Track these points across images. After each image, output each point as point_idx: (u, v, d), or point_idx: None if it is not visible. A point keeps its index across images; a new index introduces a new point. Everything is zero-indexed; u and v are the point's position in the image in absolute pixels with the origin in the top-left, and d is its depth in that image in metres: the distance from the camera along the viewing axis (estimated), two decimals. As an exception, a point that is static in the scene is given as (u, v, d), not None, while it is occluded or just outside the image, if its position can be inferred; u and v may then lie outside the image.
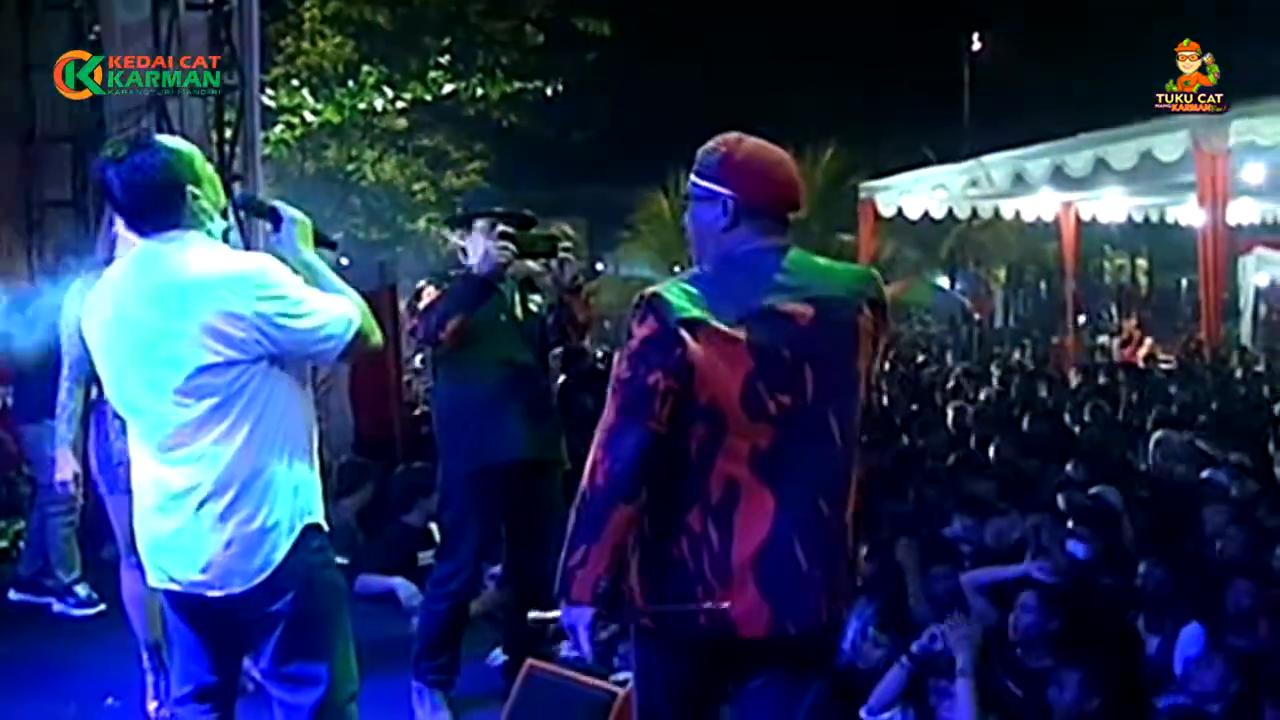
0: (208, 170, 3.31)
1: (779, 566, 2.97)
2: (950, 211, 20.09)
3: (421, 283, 4.90)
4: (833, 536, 3.05)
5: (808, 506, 3.00)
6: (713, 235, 3.09)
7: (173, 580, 3.26)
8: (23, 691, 5.45)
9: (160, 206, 3.19)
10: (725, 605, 2.95)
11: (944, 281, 35.57)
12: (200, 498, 3.14)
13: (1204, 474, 7.77)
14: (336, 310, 3.20)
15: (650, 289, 3.02)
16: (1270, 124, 12.48)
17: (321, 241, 3.52)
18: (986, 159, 17.41)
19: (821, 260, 3.22)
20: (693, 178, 3.15)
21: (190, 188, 3.21)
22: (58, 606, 6.73)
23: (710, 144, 3.15)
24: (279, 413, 3.17)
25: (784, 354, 2.97)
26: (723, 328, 2.94)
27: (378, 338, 3.30)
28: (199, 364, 3.09)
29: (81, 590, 6.70)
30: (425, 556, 6.66)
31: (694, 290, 2.99)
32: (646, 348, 2.94)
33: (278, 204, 3.48)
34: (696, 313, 2.94)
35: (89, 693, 5.30)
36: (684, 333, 2.92)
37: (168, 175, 3.18)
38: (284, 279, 3.16)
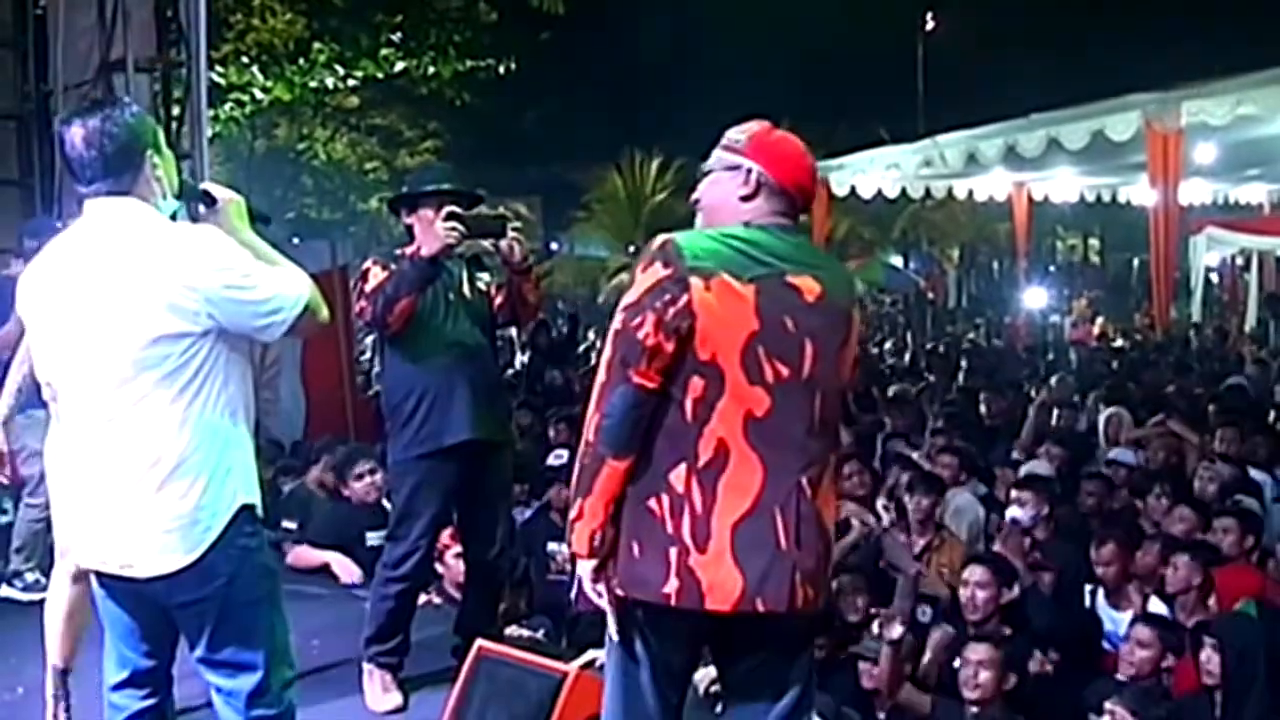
0: (165, 148, 3.27)
1: (758, 540, 2.97)
2: (904, 191, 20.15)
3: (368, 263, 4.84)
4: (815, 519, 3.05)
5: (793, 484, 3.01)
6: (730, 205, 3.14)
7: (103, 561, 3.21)
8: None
9: (120, 165, 3.13)
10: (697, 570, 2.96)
11: (897, 261, 35.74)
12: (133, 473, 3.09)
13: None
14: (284, 284, 3.15)
15: (663, 235, 3.05)
16: (1221, 104, 12.56)
17: (256, 217, 3.49)
18: (940, 138, 17.45)
19: (822, 252, 3.29)
20: (719, 151, 3.20)
21: (151, 154, 3.18)
22: (4, 590, 6.65)
23: (741, 126, 3.21)
24: (219, 390, 3.13)
25: (788, 324, 2.99)
26: (733, 283, 2.96)
27: (324, 313, 3.25)
28: (150, 335, 3.04)
29: (30, 575, 6.62)
30: (373, 537, 6.62)
31: (709, 242, 3.02)
32: (650, 296, 2.95)
33: (209, 185, 3.44)
34: (709, 263, 2.96)
35: (37, 676, 5.24)
36: (695, 280, 2.94)
37: (133, 134, 3.14)
38: (232, 252, 3.13)
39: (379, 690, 4.89)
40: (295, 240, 16.38)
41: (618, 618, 3.10)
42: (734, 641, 3.16)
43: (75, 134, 3.12)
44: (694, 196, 3.27)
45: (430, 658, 5.11)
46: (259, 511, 3.24)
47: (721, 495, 2.97)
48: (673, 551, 2.98)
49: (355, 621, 5.16)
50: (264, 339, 3.22)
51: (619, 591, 3.06)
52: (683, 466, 2.98)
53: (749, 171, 3.12)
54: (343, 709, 4.87)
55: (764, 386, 2.97)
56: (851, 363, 3.19)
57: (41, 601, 6.30)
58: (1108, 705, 4.42)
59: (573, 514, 3.04)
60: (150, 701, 3.41)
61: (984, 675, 4.71)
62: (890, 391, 11.13)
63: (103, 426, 3.13)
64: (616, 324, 2.99)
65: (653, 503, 3.00)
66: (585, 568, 3.06)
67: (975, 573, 5.36)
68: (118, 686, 3.41)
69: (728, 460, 2.97)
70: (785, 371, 2.99)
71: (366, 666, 4.95)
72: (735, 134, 3.20)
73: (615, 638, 3.14)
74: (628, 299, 3.00)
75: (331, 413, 9.82)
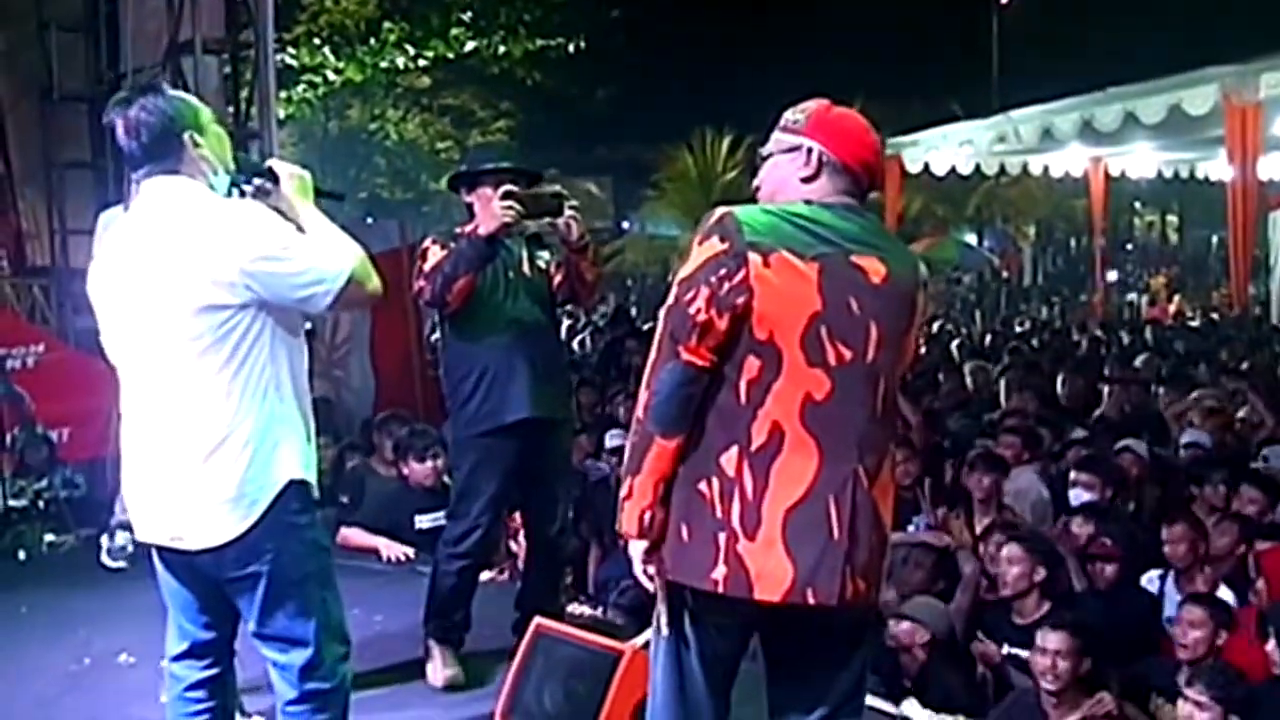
0: (213, 125, 3.31)
1: (811, 529, 2.87)
2: (978, 167, 19.91)
3: (427, 241, 4.86)
4: (871, 509, 2.95)
5: (849, 472, 2.90)
6: (792, 185, 3.03)
7: (155, 533, 3.26)
8: (43, 640, 5.50)
9: (161, 149, 3.19)
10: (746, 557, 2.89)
11: (971, 239, 35.34)
12: (180, 446, 3.13)
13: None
14: (326, 256, 3.16)
15: (722, 209, 2.97)
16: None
17: (325, 194, 3.53)
18: (1014, 114, 17.22)
19: (888, 233, 3.19)
20: (777, 134, 3.10)
21: (191, 133, 3.22)
22: (105, 543, 6.73)
23: (799, 106, 3.13)
24: (264, 364, 3.15)
25: (852, 305, 2.89)
26: (795, 261, 2.86)
27: (374, 284, 3.25)
28: (191, 307, 3.08)
29: (120, 539, 6.70)
30: (423, 520, 6.65)
31: (770, 217, 2.92)
32: (705, 270, 2.85)
33: (272, 161, 3.48)
34: (769, 239, 2.87)
35: (106, 648, 5.34)
36: (753, 256, 2.84)
37: (169, 118, 3.19)
38: (272, 225, 3.14)
39: (439, 665, 4.92)
40: (369, 220, 16.50)
41: (667, 601, 3.06)
42: (783, 633, 3.10)
43: (118, 125, 3.20)
44: (755, 183, 3.19)
45: (491, 634, 5.13)
46: (312, 488, 3.27)
47: (774, 481, 2.88)
48: (721, 537, 2.90)
49: (418, 597, 5.20)
50: (311, 310, 3.24)
51: (669, 575, 3.00)
52: (734, 449, 2.89)
53: (810, 151, 3.01)
54: (403, 683, 4.91)
55: (824, 369, 2.88)
56: (914, 349, 3.12)
57: (129, 569, 6.47)
58: (1185, 689, 4.31)
59: (623, 492, 2.98)
60: (211, 672, 3.45)
61: (1061, 665, 4.62)
62: (966, 369, 10.97)
63: (152, 401, 3.18)
64: (670, 299, 2.91)
65: (703, 485, 2.92)
66: (636, 548, 3.01)
67: (1007, 549, 5.33)
68: (178, 658, 3.46)
69: (782, 445, 2.87)
70: (848, 354, 2.89)
71: (427, 642, 4.99)
72: (793, 114, 3.09)
73: (664, 620, 3.09)
74: (682, 273, 2.91)
75: (401, 391, 9.86)
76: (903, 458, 6.63)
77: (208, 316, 3.09)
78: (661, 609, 3.06)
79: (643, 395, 2.92)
